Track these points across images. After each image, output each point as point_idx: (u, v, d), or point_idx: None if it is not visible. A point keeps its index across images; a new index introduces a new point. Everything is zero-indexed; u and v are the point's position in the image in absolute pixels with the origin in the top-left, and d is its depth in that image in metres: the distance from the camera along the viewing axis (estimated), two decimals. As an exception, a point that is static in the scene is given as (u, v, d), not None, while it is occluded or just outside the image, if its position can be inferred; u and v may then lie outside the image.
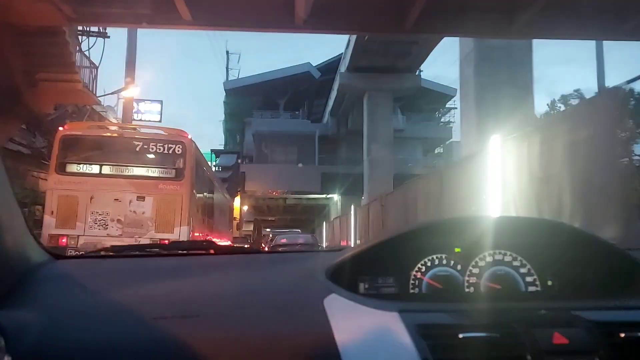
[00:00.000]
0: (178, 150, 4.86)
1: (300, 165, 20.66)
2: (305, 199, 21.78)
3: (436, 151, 24.22)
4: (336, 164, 21.45)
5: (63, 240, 4.51)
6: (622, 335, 0.60)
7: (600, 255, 0.76)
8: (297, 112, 24.86)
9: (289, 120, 24.07)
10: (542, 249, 0.79)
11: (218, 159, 25.52)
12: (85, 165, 4.74)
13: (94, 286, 0.73)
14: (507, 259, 0.80)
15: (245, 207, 20.97)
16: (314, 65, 23.66)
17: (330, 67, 21.84)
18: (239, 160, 22.67)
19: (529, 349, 0.58)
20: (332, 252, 0.85)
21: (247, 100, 22.68)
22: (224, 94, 24.52)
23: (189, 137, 5.05)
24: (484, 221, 0.84)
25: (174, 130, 5.06)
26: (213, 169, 24.34)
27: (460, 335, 0.59)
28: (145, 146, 4.84)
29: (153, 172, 4.86)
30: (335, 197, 20.66)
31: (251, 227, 22.72)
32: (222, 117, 26.50)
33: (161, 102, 16.45)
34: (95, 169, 4.75)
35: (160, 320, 0.63)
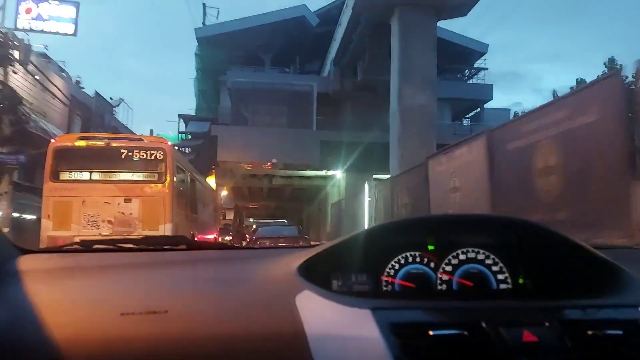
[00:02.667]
0: (159, 156, 7.55)
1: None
2: (297, 178, 23.70)
3: (463, 122, 26.12)
4: (340, 130, 22.73)
5: (60, 242, 7.25)
6: (590, 333, 0.87)
7: (570, 255, 1.11)
8: (287, 70, 26.54)
9: (277, 73, 25.77)
10: (514, 247, 1.17)
11: (187, 126, 27.92)
12: (76, 173, 7.44)
13: (61, 281, 1.03)
14: (480, 257, 1.17)
15: (224, 192, 23.05)
16: (311, 10, 24.86)
17: (330, 16, 23.37)
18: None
19: (498, 347, 0.84)
20: (306, 248, 1.22)
21: (225, 53, 24.29)
22: (196, 44, 26.13)
23: (169, 143, 7.84)
24: (457, 219, 1.26)
25: (155, 138, 7.66)
26: (183, 136, 27.39)
27: (431, 333, 0.85)
28: (130, 153, 7.49)
29: (138, 176, 7.57)
30: (339, 174, 22.23)
31: (232, 216, 25.39)
32: (194, 74, 28.28)
33: (77, 5, 16.03)
34: (85, 175, 7.46)
35: (127, 316, 0.88)
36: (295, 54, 26.26)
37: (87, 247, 1.42)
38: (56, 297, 0.96)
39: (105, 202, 7.36)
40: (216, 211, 15.31)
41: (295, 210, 36.39)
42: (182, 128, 28.94)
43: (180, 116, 28.13)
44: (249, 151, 20.97)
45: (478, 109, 26.10)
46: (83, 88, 25.31)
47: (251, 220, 37.23)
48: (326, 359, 0.83)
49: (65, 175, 7.45)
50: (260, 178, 24.06)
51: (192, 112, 30.16)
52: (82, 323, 0.88)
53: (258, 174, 23.56)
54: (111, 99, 28.11)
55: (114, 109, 27.49)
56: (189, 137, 26.95)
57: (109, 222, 7.34)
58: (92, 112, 23.14)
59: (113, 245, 1.46)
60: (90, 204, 7.35)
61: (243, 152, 21.04)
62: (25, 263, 1.11)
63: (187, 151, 26.29)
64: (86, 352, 0.83)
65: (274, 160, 21.82)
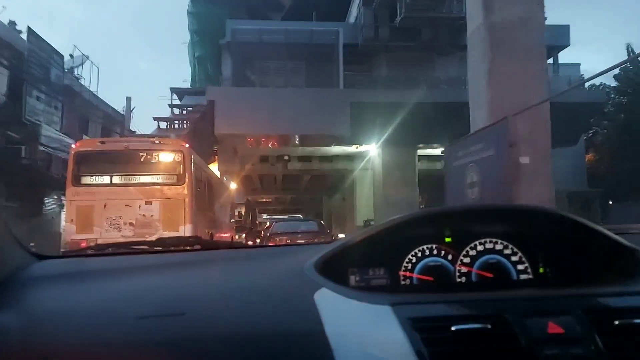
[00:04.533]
0: (178, 158, 11.13)
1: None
2: (318, 160, 26.13)
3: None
4: (376, 88, 24.59)
5: (83, 244, 10.97)
6: (617, 322, 1.24)
7: (591, 241, 1.59)
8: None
9: (290, 21, 27.90)
10: (532, 236, 1.67)
11: (182, 101, 31.71)
12: (97, 177, 11.06)
13: (77, 286, 1.52)
14: (498, 247, 1.68)
15: (233, 185, 25.93)
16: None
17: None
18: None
19: (523, 339, 1.20)
20: (322, 245, 1.76)
21: (224, 10, 26.86)
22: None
23: (187, 145, 11.40)
24: (473, 210, 1.79)
25: (173, 140, 11.55)
26: (177, 110, 31.21)
27: (453, 328, 1.21)
28: (149, 156, 11.07)
29: (157, 178, 11.14)
30: (373, 150, 24.30)
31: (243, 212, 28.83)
32: (188, 37, 31.52)
33: None
34: (106, 179, 11.07)
35: (144, 320, 1.29)
36: (311, 11, 28.61)
37: (101, 251, 2.02)
38: (71, 303, 1.43)
39: (126, 205, 11.01)
40: (231, 209, 19.89)
41: (313, 204, 41.05)
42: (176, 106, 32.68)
43: (172, 90, 31.92)
44: (255, 120, 22.05)
45: (550, 59, 26.71)
46: (20, 32, 25.15)
47: (265, 216, 43.05)
48: (347, 357, 1.20)
49: (86, 180, 11.15)
50: (273, 162, 26.71)
51: (188, 85, 33.90)
52: (98, 328, 1.30)
53: (270, 155, 26.18)
54: (71, 56, 31.28)
55: (76, 69, 30.44)
56: (184, 112, 30.48)
57: (131, 224, 11.00)
58: (25, 60, 22.95)
59: (127, 248, 2.04)
60: (112, 207, 11.01)
61: (248, 122, 22.14)
62: (40, 269, 1.65)
63: (177, 127, 30.12)
64: (102, 357, 1.24)
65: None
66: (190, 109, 30.58)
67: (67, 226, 11.25)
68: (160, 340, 1.26)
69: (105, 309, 1.38)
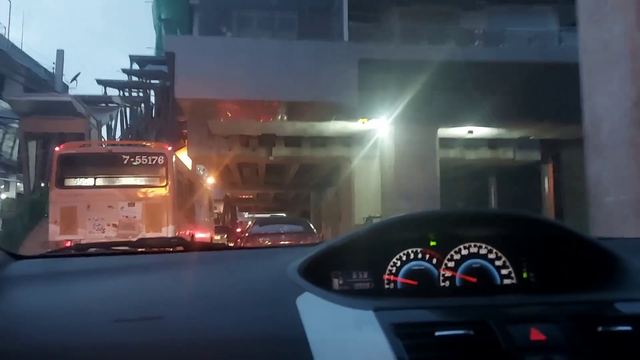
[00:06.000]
0: (160, 161, 16.70)
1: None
2: (309, 143, 28.79)
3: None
4: (391, 40, 27.18)
5: (67, 245, 16.24)
6: (599, 329, 1.72)
7: (576, 248, 2.28)
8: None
9: None
10: (517, 241, 2.43)
11: (145, 68, 36.45)
12: (81, 179, 16.62)
13: (53, 287, 2.12)
14: (483, 251, 2.46)
15: (211, 180, 30.15)
16: None
17: None
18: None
19: (505, 346, 1.68)
20: (306, 247, 2.42)
21: None
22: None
23: (169, 148, 17.22)
24: (458, 214, 2.63)
25: (156, 144, 17.50)
26: (135, 78, 36.87)
27: (436, 334, 1.68)
28: (132, 159, 16.57)
29: (140, 181, 16.77)
30: (384, 126, 26.33)
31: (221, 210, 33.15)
32: None
33: None
34: (89, 181, 16.68)
35: (121, 323, 1.77)
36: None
37: (81, 251, 2.78)
38: (48, 304, 1.94)
39: (109, 207, 16.30)
40: (210, 209, 26.14)
41: (299, 201, 47.90)
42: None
43: (132, 58, 36.67)
44: (230, 82, 23.40)
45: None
46: None
47: (246, 215, 50.55)
48: None
49: (70, 182, 16.42)
50: (255, 148, 29.42)
51: (151, 52, 38.38)
52: (74, 331, 1.75)
53: (252, 136, 29.02)
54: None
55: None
56: (147, 80, 35.34)
57: (114, 225, 16.30)
58: None
59: (107, 249, 2.82)
60: (95, 208, 16.27)
61: (220, 84, 23.46)
62: (17, 269, 2.25)
63: (130, 94, 34.53)
64: None
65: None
66: (157, 82, 34.64)
67: (51, 227, 16.47)
68: (138, 344, 1.73)
69: (82, 311, 1.91)
